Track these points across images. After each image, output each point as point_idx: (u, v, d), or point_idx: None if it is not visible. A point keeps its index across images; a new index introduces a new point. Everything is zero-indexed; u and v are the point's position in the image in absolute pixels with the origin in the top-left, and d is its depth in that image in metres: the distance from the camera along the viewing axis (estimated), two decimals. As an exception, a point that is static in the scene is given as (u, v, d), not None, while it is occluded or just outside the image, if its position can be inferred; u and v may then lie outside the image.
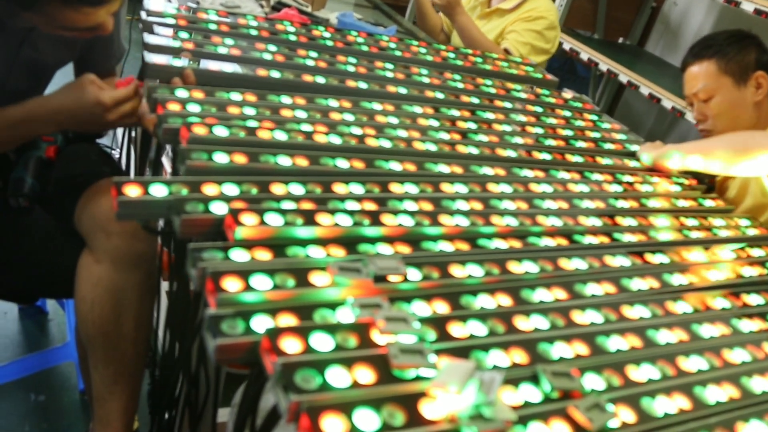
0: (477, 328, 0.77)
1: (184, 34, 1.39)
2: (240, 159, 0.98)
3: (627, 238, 1.09)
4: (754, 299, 1.03)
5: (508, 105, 1.54)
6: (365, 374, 0.64)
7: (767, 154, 1.23)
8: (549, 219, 1.06)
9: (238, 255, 0.79)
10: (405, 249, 0.90)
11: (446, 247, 0.93)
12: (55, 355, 1.83)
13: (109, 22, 1.13)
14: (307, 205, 0.91)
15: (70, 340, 1.82)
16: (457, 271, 0.87)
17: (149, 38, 1.32)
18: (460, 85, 1.57)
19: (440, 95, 1.48)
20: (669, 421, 0.72)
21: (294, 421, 0.59)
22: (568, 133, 1.47)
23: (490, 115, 1.44)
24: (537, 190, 1.17)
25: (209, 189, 0.90)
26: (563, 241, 1.03)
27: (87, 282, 1.19)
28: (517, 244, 0.99)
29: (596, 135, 1.51)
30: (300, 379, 0.60)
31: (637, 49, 3.89)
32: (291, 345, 0.65)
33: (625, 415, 0.70)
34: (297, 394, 0.59)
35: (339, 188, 0.99)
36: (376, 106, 1.31)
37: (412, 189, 1.05)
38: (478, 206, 1.05)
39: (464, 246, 0.95)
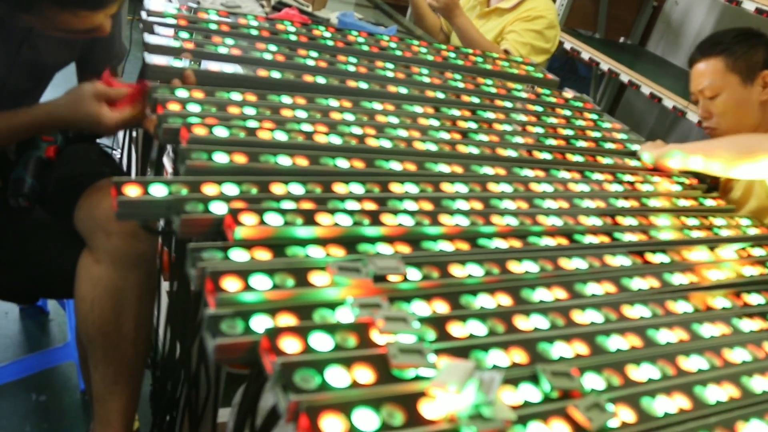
0: (477, 328, 0.76)
1: (184, 34, 1.39)
2: (240, 159, 0.98)
3: (627, 237, 1.09)
4: (754, 299, 1.02)
5: (508, 104, 1.54)
6: (365, 374, 0.64)
7: None
8: (549, 218, 1.06)
9: (238, 255, 0.79)
10: (405, 249, 0.90)
11: (446, 246, 0.93)
12: (55, 355, 1.83)
13: (107, 23, 1.13)
14: (306, 205, 0.91)
15: (71, 340, 1.82)
16: (457, 270, 0.87)
17: (150, 38, 1.32)
18: (461, 85, 1.57)
19: (441, 95, 1.48)
20: (669, 420, 0.72)
21: (293, 421, 0.59)
22: (569, 132, 1.47)
23: (490, 115, 1.44)
24: (537, 190, 1.17)
25: (209, 189, 0.90)
26: (563, 241, 1.03)
27: (87, 282, 1.19)
28: (517, 243, 0.99)
29: (597, 134, 1.51)
30: (299, 378, 0.60)
31: (639, 49, 3.89)
32: (290, 345, 0.65)
33: (625, 414, 0.70)
34: (296, 393, 0.59)
35: (339, 188, 0.99)
36: (377, 105, 1.31)
37: (412, 189, 1.05)
38: (478, 206, 1.05)
39: (464, 246, 0.95)
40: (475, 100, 1.51)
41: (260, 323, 0.69)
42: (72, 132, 1.35)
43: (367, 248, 0.87)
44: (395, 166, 1.11)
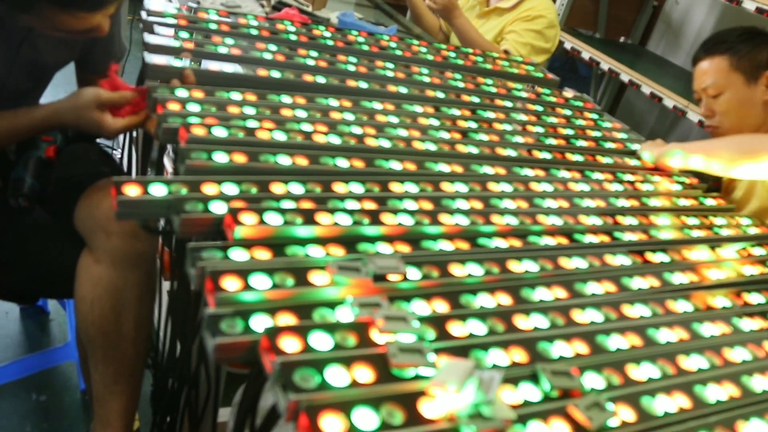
0: (476, 327, 0.76)
1: (184, 34, 1.39)
2: (240, 158, 0.98)
3: (628, 237, 1.09)
4: (755, 298, 1.02)
5: (508, 104, 1.54)
6: (364, 373, 0.64)
7: None
8: (549, 218, 1.06)
9: (238, 254, 0.79)
10: (405, 248, 0.90)
11: (446, 246, 0.93)
12: (56, 355, 1.83)
13: (105, 24, 1.13)
14: (306, 205, 0.91)
15: (71, 340, 1.82)
16: (457, 270, 0.87)
17: (149, 38, 1.32)
18: (461, 85, 1.57)
19: (441, 94, 1.48)
20: (669, 420, 0.72)
21: (293, 420, 0.59)
22: (569, 132, 1.47)
23: (490, 115, 1.44)
24: (537, 189, 1.17)
25: (209, 188, 0.90)
26: (564, 240, 1.03)
27: (87, 282, 1.19)
28: (517, 243, 0.99)
29: (597, 134, 1.51)
30: (299, 378, 0.60)
31: (639, 48, 3.88)
32: (290, 344, 0.65)
33: (624, 414, 0.70)
34: (296, 393, 0.59)
35: (339, 187, 0.99)
36: (377, 105, 1.31)
37: (412, 188, 1.05)
38: (478, 205, 1.05)
39: (464, 245, 0.95)
40: (475, 99, 1.51)
41: (260, 323, 0.69)
42: (72, 132, 1.35)
43: (367, 248, 0.87)
44: (395, 165, 1.11)
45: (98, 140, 1.46)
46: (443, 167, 1.15)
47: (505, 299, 0.84)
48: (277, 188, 0.95)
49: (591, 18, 3.82)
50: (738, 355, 0.86)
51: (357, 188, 1.00)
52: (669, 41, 3.81)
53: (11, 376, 1.73)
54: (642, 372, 0.77)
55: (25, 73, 1.25)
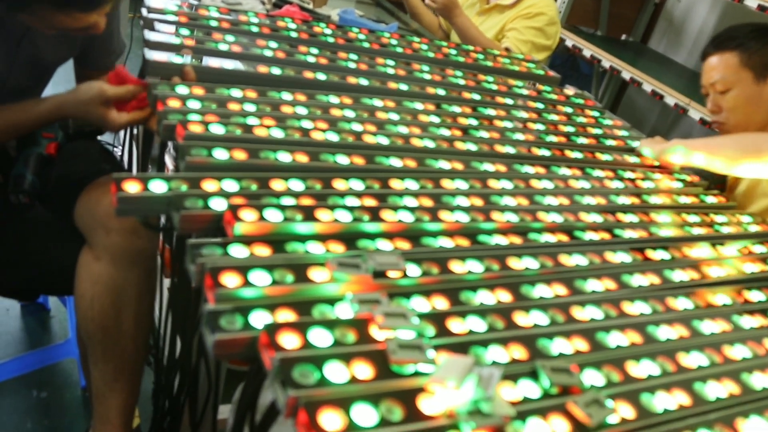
0: (476, 324, 0.76)
1: (185, 31, 1.39)
2: (240, 155, 0.98)
3: (628, 234, 1.09)
4: (755, 295, 1.02)
5: (509, 101, 1.54)
6: (364, 370, 0.63)
7: None
8: (550, 215, 1.06)
9: (237, 251, 0.79)
10: (404, 245, 0.90)
11: (446, 243, 0.93)
12: (56, 352, 1.84)
13: (101, 22, 1.14)
14: (306, 201, 0.91)
15: (72, 337, 1.82)
16: (457, 266, 0.87)
17: (150, 35, 1.31)
18: (462, 82, 1.57)
19: (441, 92, 1.48)
20: (668, 417, 0.71)
21: (292, 416, 0.59)
22: (570, 129, 1.47)
23: (491, 112, 1.44)
24: (538, 187, 1.17)
25: (208, 185, 0.90)
26: (564, 237, 1.03)
27: (87, 279, 1.19)
28: (517, 240, 0.99)
29: (598, 131, 1.51)
30: (298, 374, 0.60)
31: (640, 46, 3.88)
32: (289, 340, 0.65)
33: (624, 411, 0.70)
34: (295, 389, 0.59)
35: (339, 184, 0.99)
36: (377, 102, 1.31)
37: (412, 185, 1.05)
38: (478, 202, 1.05)
39: (464, 242, 0.95)
40: (476, 96, 1.51)
41: (259, 319, 0.69)
42: (73, 129, 1.35)
43: (367, 244, 0.87)
44: (395, 162, 1.10)
45: (99, 137, 1.46)
46: (444, 164, 1.15)
47: (504, 296, 0.84)
48: (277, 185, 0.95)
49: (592, 15, 3.82)
50: (738, 352, 0.86)
51: (357, 185, 1.00)
52: (670, 39, 3.81)
53: (12, 372, 1.74)
54: (642, 369, 0.77)
55: (25, 71, 1.25)
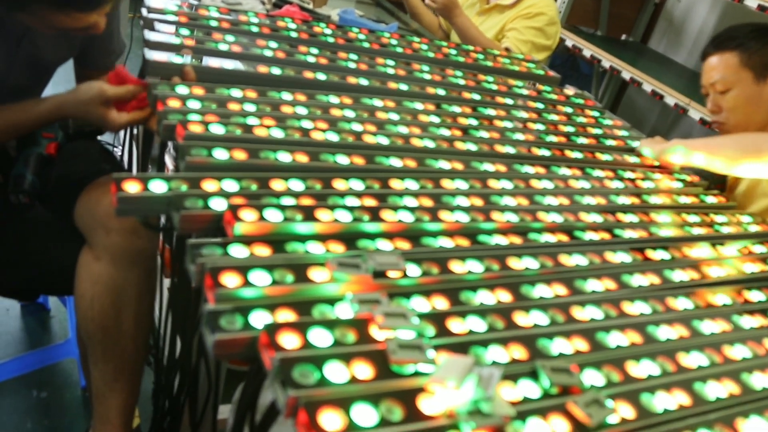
0: (476, 324, 0.76)
1: (185, 31, 1.39)
2: (240, 155, 0.98)
3: (628, 234, 1.09)
4: (755, 295, 1.02)
5: (509, 101, 1.54)
6: (363, 370, 0.63)
7: None
8: (550, 215, 1.06)
9: (237, 251, 0.79)
10: (404, 245, 0.90)
11: (446, 243, 0.93)
12: (56, 352, 1.84)
13: (101, 21, 1.14)
14: (306, 201, 0.91)
15: (72, 337, 1.82)
16: (457, 266, 0.87)
17: (150, 35, 1.31)
18: (462, 82, 1.57)
19: (441, 92, 1.48)
20: (668, 417, 0.71)
21: (292, 416, 0.59)
22: (570, 129, 1.47)
23: (491, 112, 1.44)
24: (538, 187, 1.17)
25: (208, 185, 0.90)
26: (564, 237, 1.03)
27: (87, 279, 1.19)
28: (517, 240, 0.99)
29: (598, 131, 1.51)
30: (298, 374, 0.60)
31: (640, 46, 3.88)
32: (289, 340, 0.65)
33: (624, 411, 0.70)
34: (295, 389, 0.59)
35: (339, 184, 0.99)
36: (377, 102, 1.31)
37: (412, 185, 1.05)
38: (478, 202, 1.05)
39: (464, 242, 0.95)
40: (476, 96, 1.51)
41: (259, 319, 0.69)
42: (73, 129, 1.35)
43: (367, 244, 0.87)
44: (395, 162, 1.11)
45: (99, 137, 1.46)
46: (444, 164, 1.15)
47: (504, 296, 0.84)
48: (277, 185, 0.95)
49: (592, 15, 3.82)
50: (738, 352, 0.86)
51: (357, 185, 1.00)
52: (670, 39, 3.81)
53: (12, 372, 1.74)
54: (642, 369, 0.77)
55: (25, 70, 1.25)
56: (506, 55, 1.87)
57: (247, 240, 0.81)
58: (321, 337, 0.66)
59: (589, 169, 1.30)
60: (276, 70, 1.32)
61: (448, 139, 1.24)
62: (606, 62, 3.25)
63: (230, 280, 0.73)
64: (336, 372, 0.62)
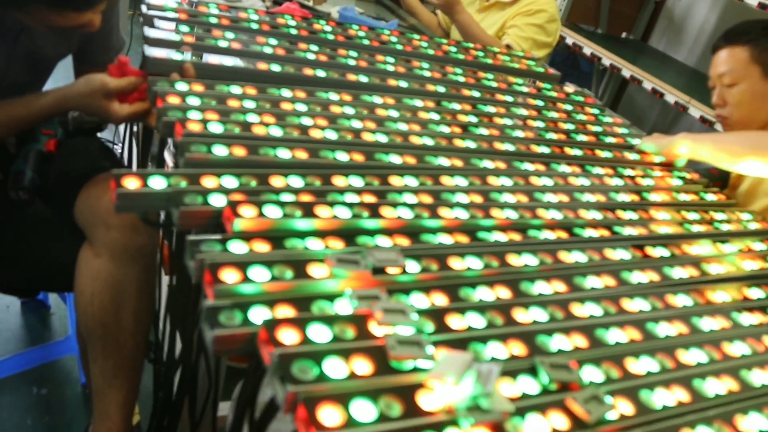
0: (475, 320, 0.76)
1: (184, 28, 1.39)
2: (239, 151, 0.98)
3: (627, 231, 1.09)
4: (754, 293, 1.02)
5: (509, 99, 1.54)
6: (362, 365, 0.63)
7: None
8: (549, 212, 1.06)
9: (237, 247, 0.79)
10: (404, 241, 0.90)
11: (445, 239, 0.93)
12: (57, 349, 1.84)
13: (96, 19, 1.14)
14: (306, 198, 0.91)
15: (72, 333, 1.82)
16: (456, 263, 0.87)
17: (150, 32, 1.31)
18: (462, 79, 1.57)
19: (441, 89, 1.48)
20: (667, 413, 0.71)
21: (291, 412, 0.59)
22: (570, 126, 1.47)
23: (491, 109, 1.44)
24: (537, 184, 1.17)
25: (208, 181, 0.90)
26: (563, 234, 1.03)
27: (86, 275, 1.19)
28: (516, 236, 0.99)
29: (598, 129, 1.51)
30: (297, 369, 0.60)
31: (641, 44, 3.88)
32: (288, 336, 0.65)
33: (623, 407, 0.70)
34: (294, 384, 0.59)
35: (338, 181, 0.99)
36: (377, 99, 1.31)
37: (411, 182, 1.05)
38: (478, 199, 1.05)
39: (464, 238, 0.95)
40: (476, 94, 1.51)
41: (258, 315, 0.69)
42: (72, 126, 1.35)
43: (366, 240, 0.87)
44: (395, 159, 1.10)
45: (98, 134, 1.46)
46: (443, 161, 1.15)
47: (504, 293, 0.84)
48: (276, 181, 0.95)
49: (592, 13, 3.82)
50: (737, 349, 0.86)
51: (357, 181, 1.00)
52: (671, 37, 3.80)
53: (12, 369, 1.74)
54: (641, 366, 0.77)
55: (23, 66, 1.25)
56: (506, 53, 1.87)
57: (246, 236, 0.81)
58: (320, 333, 0.66)
59: (588, 167, 1.30)
60: (276, 67, 1.32)
61: (447, 136, 1.24)
62: (606, 60, 3.25)
63: (229, 276, 0.73)
64: (335, 368, 0.62)
